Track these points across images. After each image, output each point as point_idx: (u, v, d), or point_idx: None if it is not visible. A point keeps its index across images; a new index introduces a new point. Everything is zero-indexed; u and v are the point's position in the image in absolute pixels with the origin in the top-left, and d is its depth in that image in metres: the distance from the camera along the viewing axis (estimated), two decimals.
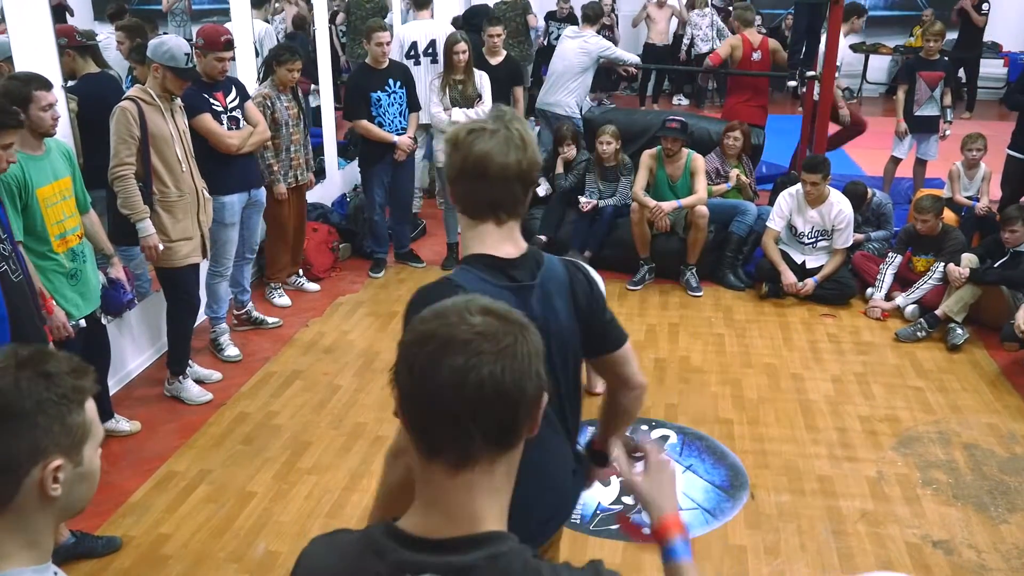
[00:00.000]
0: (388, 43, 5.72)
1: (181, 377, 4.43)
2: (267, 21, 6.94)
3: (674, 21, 11.71)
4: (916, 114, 7.00)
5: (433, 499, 1.11)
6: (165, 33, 5.06)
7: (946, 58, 7.24)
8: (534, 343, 1.10)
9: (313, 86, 6.75)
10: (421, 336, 1.08)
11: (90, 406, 1.25)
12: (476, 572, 1.08)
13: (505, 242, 1.76)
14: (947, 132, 7.04)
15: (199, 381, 4.53)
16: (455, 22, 7.72)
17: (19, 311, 2.99)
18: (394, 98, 5.80)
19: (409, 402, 1.09)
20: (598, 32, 7.45)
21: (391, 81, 5.77)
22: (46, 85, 3.29)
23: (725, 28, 11.05)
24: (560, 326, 1.78)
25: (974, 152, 6.38)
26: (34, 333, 3.10)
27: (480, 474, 1.09)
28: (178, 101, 4.17)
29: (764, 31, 9.88)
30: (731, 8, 10.81)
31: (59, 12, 5.42)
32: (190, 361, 4.54)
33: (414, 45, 6.74)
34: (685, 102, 12.32)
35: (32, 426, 1.17)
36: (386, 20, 7.41)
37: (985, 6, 11.04)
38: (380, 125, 5.76)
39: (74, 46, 4.20)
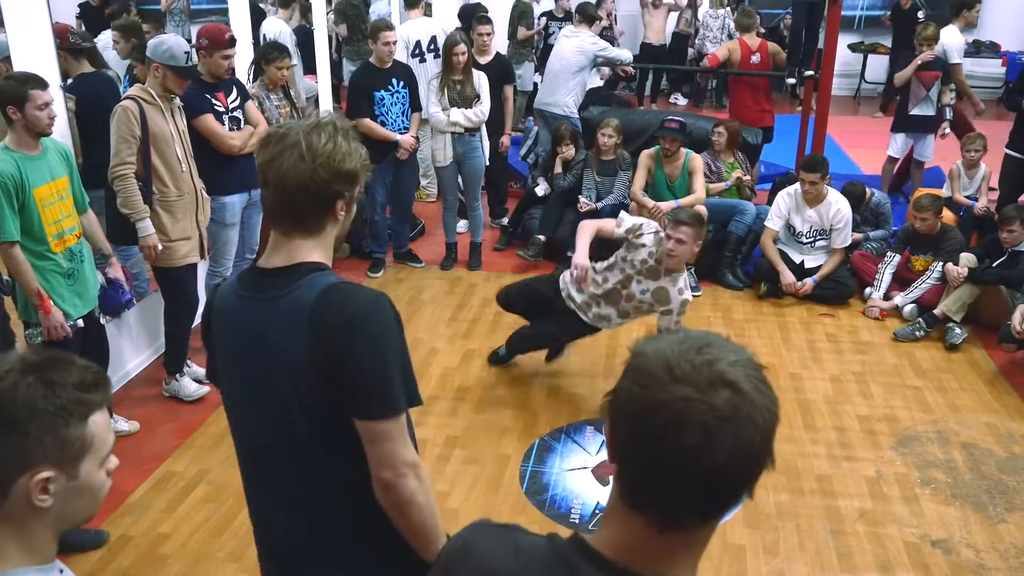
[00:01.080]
0: (394, 42, 5.74)
1: (178, 375, 4.43)
2: (287, 22, 7.05)
3: (671, 21, 11.71)
4: (911, 113, 6.99)
5: (629, 541, 1.03)
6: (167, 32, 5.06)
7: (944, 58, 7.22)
8: (770, 420, 0.99)
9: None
10: (652, 405, 0.97)
11: (96, 420, 1.21)
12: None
13: (276, 253, 1.68)
14: (947, 130, 7.02)
15: (197, 381, 4.52)
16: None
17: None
18: (397, 97, 5.81)
19: (624, 457, 1.01)
20: (597, 33, 7.46)
21: (394, 80, 5.78)
22: (42, 84, 3.29)
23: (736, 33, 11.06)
24: (295, 351, 1.60)
25: (973, 153, 6.38)
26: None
27: (686, 535, 1.04)
28: (177, 101, 4.17)
29: (763, 31, 9.90)
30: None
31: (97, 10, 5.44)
32: (188, 361, 4.53)
33: (418, 44, 6.86)
34: (683, 102, 12.32)
35: (22, 434, 1.15)
36: (387, 16, 7.44)
37: (920, 13, 11.11)
38: (383, 124, 5.77)
39: (66, 47, 4.20)
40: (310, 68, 7.04)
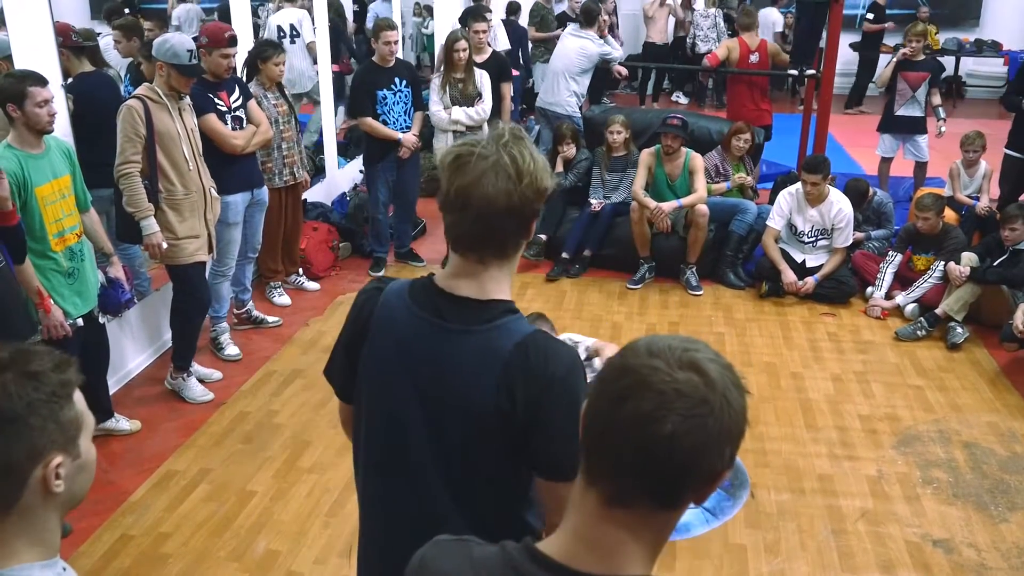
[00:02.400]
0: (396, 42, 5.75)
1: (185, 374, 4.43)
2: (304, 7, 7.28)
3: (672, 20, 11.72)
4: (897, 114, 6.98)
5: (587, 532, 1.06)
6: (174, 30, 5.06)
7: (937, 58, 7.22)
8: (731, 422, 1.01)
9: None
10: (622, 369, 1.03)
11: (78, 397, 1.25)
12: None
13: (466, 280, 1.55)
14: (942, 129, 7.01)
15: (199, 380, 4.52)
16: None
17: (3, 302, 2.98)
18: (399, 96, 5.81)
19: (588, 420, 1.06)
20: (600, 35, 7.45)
21: (397, 79, 5.79)
22: (41, 81, 3.29)
23: (726, 30, 11.08)
24: (477, 394, 1.52)
25: (971, 153, 6.38)
26: (21, 323, 3.08)
27: (636, 520, 1.04)
28: (187, 100, 4.17)
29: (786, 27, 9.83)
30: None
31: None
32: (191, 361, 4.53)
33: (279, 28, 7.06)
34: (684, 100, 12.32)
35: (27, 428, 1.17)
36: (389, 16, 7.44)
37: (871, 15, 11.11)
38: (384, 123, 5.77)
39: (68, 46, 4.20)
40: (334, 57, 7.33)
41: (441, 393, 1.56)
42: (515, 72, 9.18)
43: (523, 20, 10.10)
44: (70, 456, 1.22)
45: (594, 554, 1.05)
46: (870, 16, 11.27)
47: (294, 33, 7.23)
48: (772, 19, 11.26)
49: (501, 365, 1.50)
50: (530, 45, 9.82)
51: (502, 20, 9.35)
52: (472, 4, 8.48)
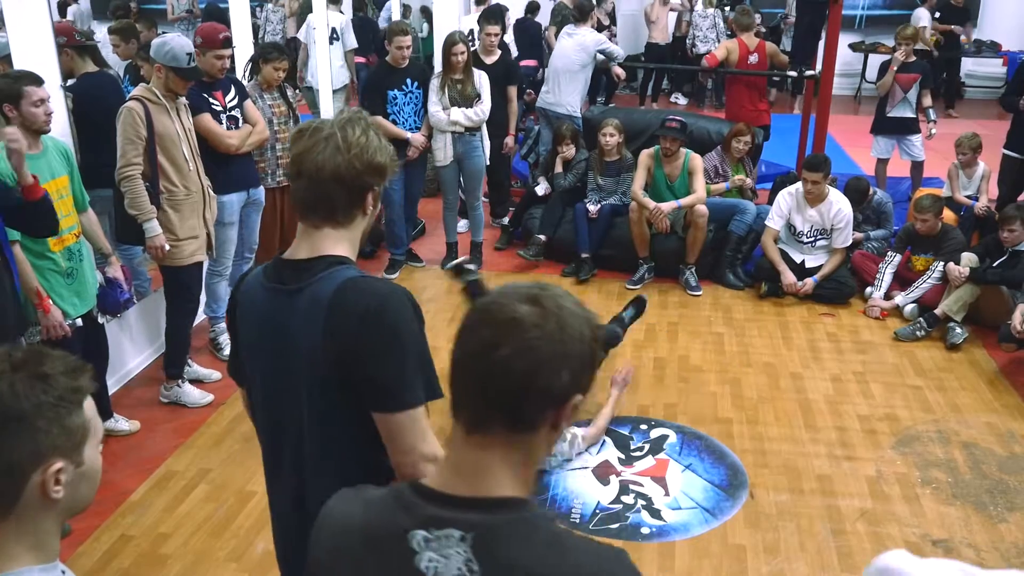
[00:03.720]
0: (408, 46, 5.77)
1: (179, 382, 4.41)
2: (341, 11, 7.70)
3: (672, 20, 11.74)
4: (889, 115, 7.00)
5: (456, 459, 1.18)
6: (165, 33, 5.06)
7: (925, 60, 7.22)
8: (566, 346, 1.12)
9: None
10: (476, 309, 1.18)
11: (89, 405, 1.24)
12: (498, 531, 1.12)
13: (302, 244, 1.71)
14: (933, 131, 7.03)
15: (198, 381, 4.52)
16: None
17: None
18: (410, 97, 5.82)
19: (452, 361, 1.17)
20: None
21: (408, 81, 5.80)
22: (36, 81, 3.29)
23: (725, 31, 11.09)
24: (312, 344, 1.63)
25: (960, 156, 6.39)
26: (9, 328, 3.08)
27: (497, 445, 1.15)
28: (183, 100, 4.17)
29: (764, 30, 9.89)
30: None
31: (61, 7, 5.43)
32: (189, 360, 4.53)
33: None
34: (683, 101, 12.33)
35: (31, 430, 1.17)
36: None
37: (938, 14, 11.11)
38: (394, 123, 5.78)
39: (72, 45, 4.20)
40: (365, 52, 7.93)
41: (290, 351, 1.68)
42: (533, 62, 9.31)
43: (540, 18, 10.18)
44: (73, 463, 1.21)
45: (463, 478, 1.16)
46: (937, 15, 11.24)
47: (334, 36, 7.90)
48: (920, 18, 11.12)
49: (324, 309, 1.62)
50: (546, 46, 9.83)
51: (518, 19, 9.40)
52: (489, 5, 8.51)
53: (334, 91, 7.59)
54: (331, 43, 7.63)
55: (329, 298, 1.61)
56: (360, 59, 8.61)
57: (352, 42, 8.33)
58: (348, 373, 1.61)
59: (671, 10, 11.64)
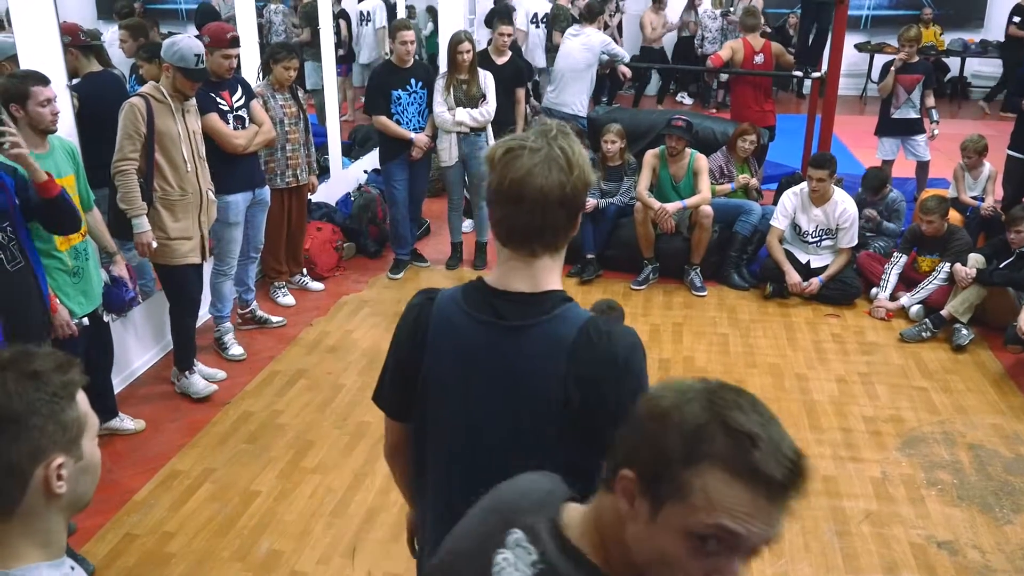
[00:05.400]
0: (412, 42, 5.77)
1: (188, 372, 4.44)
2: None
3: (660, 24, 11.72)
4: (893, 116, 7.01)
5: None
6: (172, 33, 5.08)
7: (928, 60, 7.23)
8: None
9: None
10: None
11: (81, 398, 1.24)
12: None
13: (517, 275, 1.56)
14: (935, 132, 7.04)
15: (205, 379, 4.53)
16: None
17: (14, 303, 2.98)
18: (414, 98, 5.83)
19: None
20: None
21: (413, 81, 5.80)
22: (43, 81, 3.29)
23: (731, 31, 11.08)
24: (546, 386, 1.52)
25: (965, 160, 6.38)
26: (35, 328, 3.08)
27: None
28: (192, 102, 4.17)
29: (769, 30, 9.87)
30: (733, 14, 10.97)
31: None
32: (194, 359, 4.54)
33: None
34: (689, 101, 12.32)
35: (28, 428, 1.17)
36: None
37: (1017, 19, 11.03)
38: (398, 123, 5.78)
39: (77, 45, 4.21)
40: None
41: (512, 392, 1.55)
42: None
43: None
44: (72, 457, 1.21)
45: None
46: (1016, 19, 11.23)
47: (368, 18, 9.09)
48: None
49: (566, 353, 1.51)
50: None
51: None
52: (497, 4, 8.55)
53: (363, 65, 9.07)
54: (365, 24, 8.96)
55: (573, 340, 1.51)
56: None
57: (383, 21, 8.90)
58: (585, 418, 1.50)
59: (666, 27, 11.65)
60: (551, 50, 9.68)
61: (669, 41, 12.29)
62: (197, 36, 4.41)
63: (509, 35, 6.51)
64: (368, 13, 9.04)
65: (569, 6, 10.12)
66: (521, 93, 6.58)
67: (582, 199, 1.55)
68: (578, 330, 1.51)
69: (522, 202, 1.50)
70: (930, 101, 7.01)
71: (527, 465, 1.49)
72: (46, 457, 1.18)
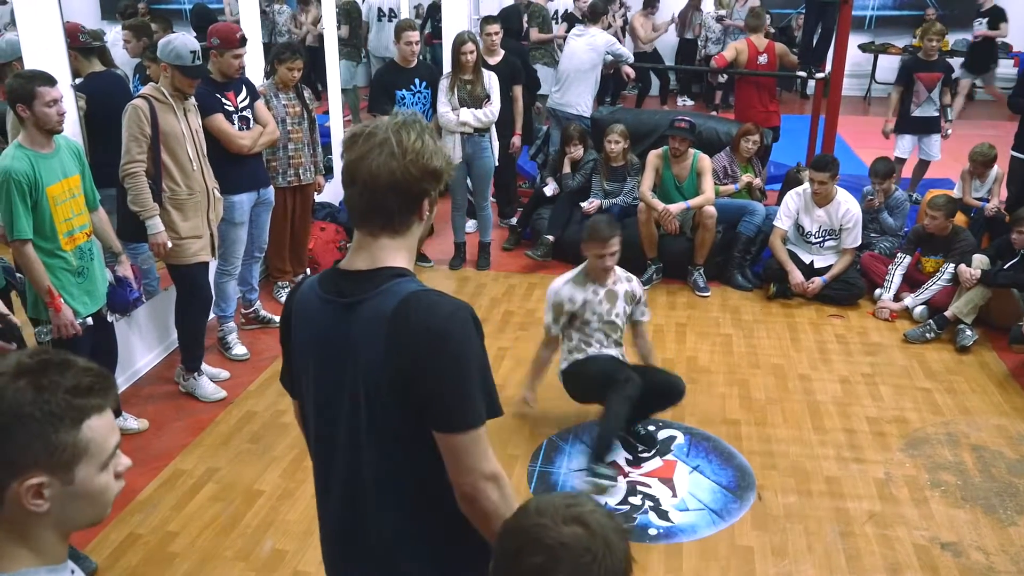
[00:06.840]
0: (417, 42, 5.77)
1: (196, 374, 4.44)
2: None
3: (649, 27, 11.71)
4: (913, 115, 7.07)
5: None
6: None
7: (946, 59, 7.29)
8: (614, 565, 1.19)
9: None
10: (516, 529, 1.23)
11: (92, 424, 1.18)
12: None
13: (360, 254, 1.65)
14: (948, 131, 7.08)
15: (213, 381, 4.53)
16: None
17: None
18: (418, 97, 5.84)
19: (496, 572, 1.25)
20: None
21: (417, 80, 5.82)
22: (49, 81, 3.30)
23: (732, 34, 11.09)
24: (372, 359, 1.58)
25: (971, 167, 6.39)
26: None
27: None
28: (192, 100, 4.18)
29: (773, 31, 9.86)
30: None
31: None
32: (202, 360, 4.54)
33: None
34: (691, 103, 12.32)
35: (7, 440, 1.13)
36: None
37: (930, 11, 11.05)
38: None
39: (76, 47, 4.21)
40: (438, 34, 8.52)
41: (349, 366, 1.63)
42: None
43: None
44: (59, 480, 1.16)
45: None
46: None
47: (392, 14, 9.31)
48: None
49: (385, 325, 1.57)
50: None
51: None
52: (507, 8, 8.54)
53: (383, 58, 8.86)
54: (384, 19, 9.32)
55: (391, 313, 1.56)
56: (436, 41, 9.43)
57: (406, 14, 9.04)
58: (409, 390, 1.56)
59: (654, 30, 11.64)
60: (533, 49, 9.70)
61: (666, 42, 12.24)
62: (196, 37, 4.42)
63: (497, 34, 6.48)
64: (392, 9, 9.33)
65: (545, 5, 10.12)
66: (518, 91, 6.55)
67: (419, 186, 1.60)
68: (398, 302, 1.57)
69: (355, 184, 1.60)
70: (947, 99, 7.06)
71: (369, 440, 1.62)
72: (24, 472, 1.14)
